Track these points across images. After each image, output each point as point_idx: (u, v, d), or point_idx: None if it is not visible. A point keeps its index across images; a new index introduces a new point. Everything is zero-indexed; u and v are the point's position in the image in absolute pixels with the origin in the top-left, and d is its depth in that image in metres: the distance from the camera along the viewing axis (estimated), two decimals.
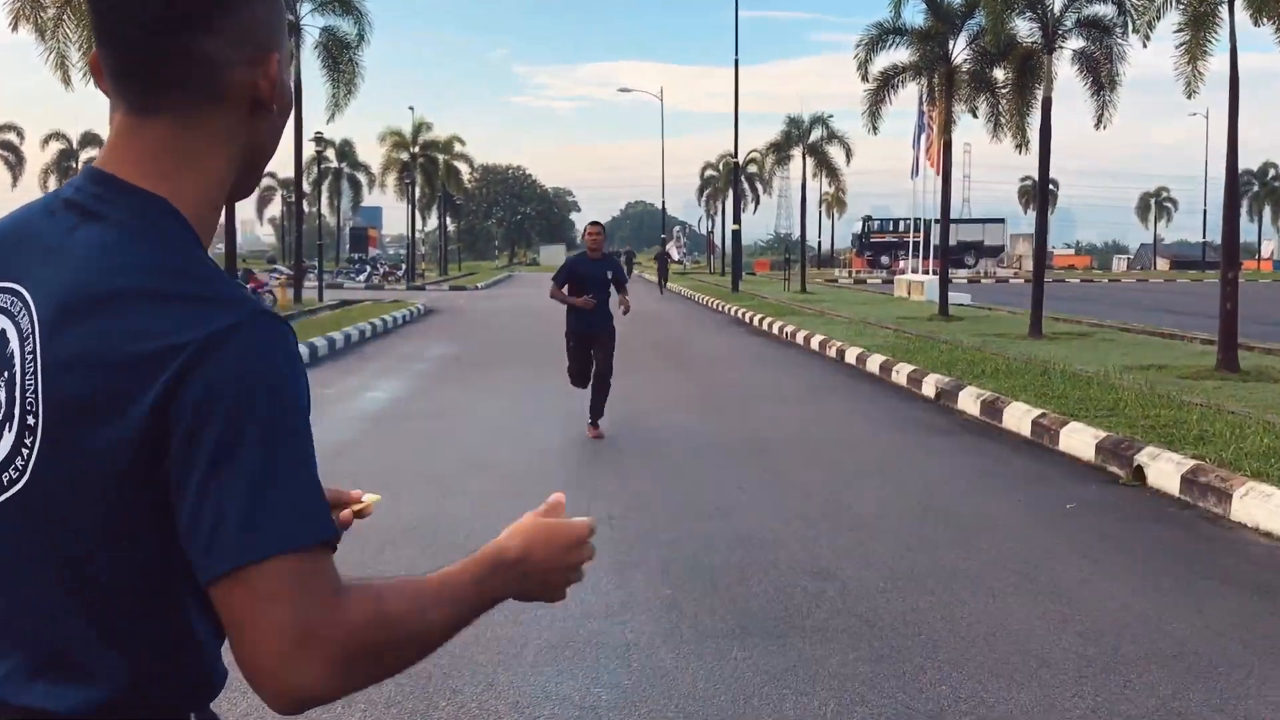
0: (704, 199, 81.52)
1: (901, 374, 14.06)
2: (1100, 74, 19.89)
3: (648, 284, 44.55)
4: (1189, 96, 14.77)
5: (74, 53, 21.43)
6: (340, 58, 30.50)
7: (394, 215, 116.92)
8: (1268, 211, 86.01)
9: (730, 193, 54.91)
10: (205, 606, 1.10)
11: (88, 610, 1.09)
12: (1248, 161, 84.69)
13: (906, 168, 37.01)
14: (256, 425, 1.02)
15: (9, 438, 1.09)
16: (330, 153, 67.72)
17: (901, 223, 65.02)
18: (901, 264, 57.40)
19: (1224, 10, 14.00)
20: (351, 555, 5.98)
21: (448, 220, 79.93)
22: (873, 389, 13.77)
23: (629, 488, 7.85)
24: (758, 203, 75.41)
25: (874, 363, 15.45)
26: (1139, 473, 8.12)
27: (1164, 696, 4.25)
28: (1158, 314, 28.07)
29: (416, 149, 58.99)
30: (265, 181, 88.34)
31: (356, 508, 1.39)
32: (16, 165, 65.60)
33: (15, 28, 21.15)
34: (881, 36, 24.68)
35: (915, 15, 24.82)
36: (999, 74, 22.47)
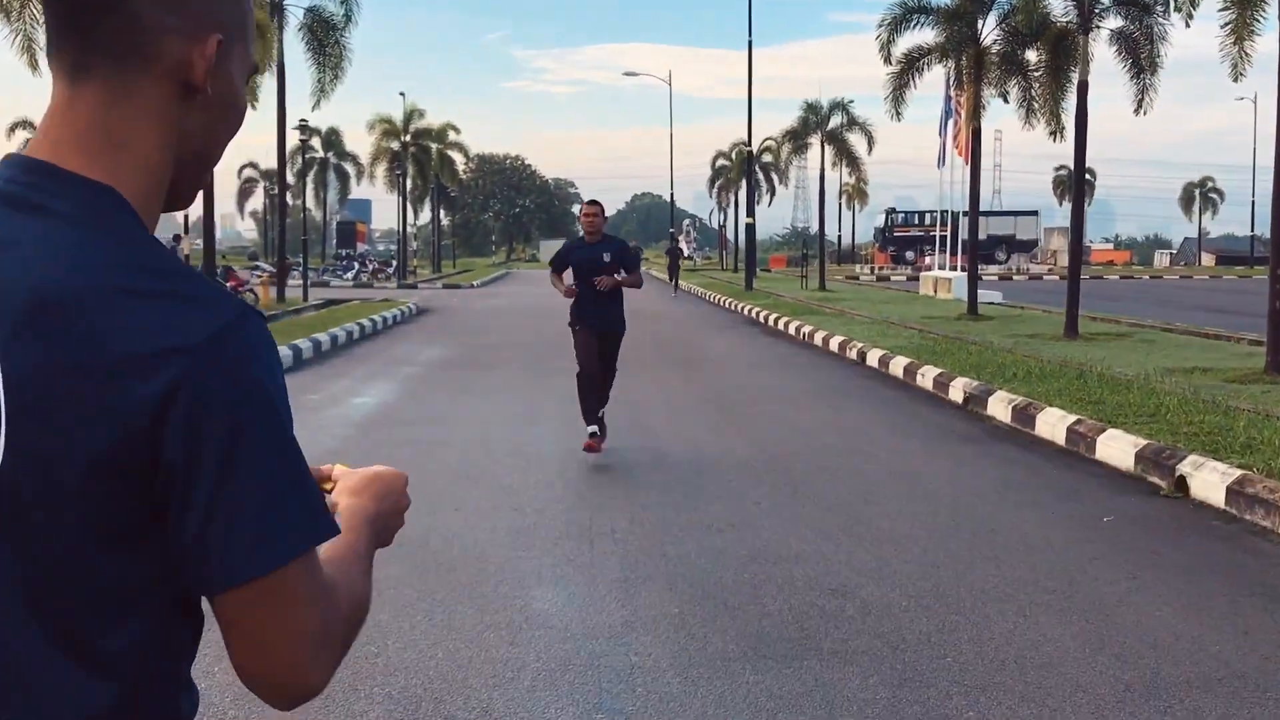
0: (715, 190, 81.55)
1: (927, 378, 14.06)
2: (1140, 55, 19.87)
3: (659, 283, 44.51)
4: (1235, 79, 14.77)
5: (41, 35, 21.52)
6: (326, 40, 30.58)
7: (384, 208, 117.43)
8: None
9: (744, 184, 54.87)
10: (178, 630, 1.13)
11: (52, 637, 1.09)
12: None
13: (932, 157, 37.00)
14: (262, 431, 1.06)
15: None
16: (316, 142, 67.85)
17: (927, 215, 65.05)
18: (927, 260, 57.36)
19: None
20: None
21: (441, 214, 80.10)
22: (896, 394, 13.77)
23: (633, 499, 7.86)
24: (773, 194, 75.58)
25: (898, 365, 15.44)
26: (1181, 483, 8.11)
27: None
28: (1202, 313, 28.01)
29: (408, 137, 59.11)
30: (246, 173, 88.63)
31: (327, 486, 1.41)
32: None
33: None
34: (905, 16, 24.67)
35: None
36: (1031, 56, 22.46)
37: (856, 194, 78.90)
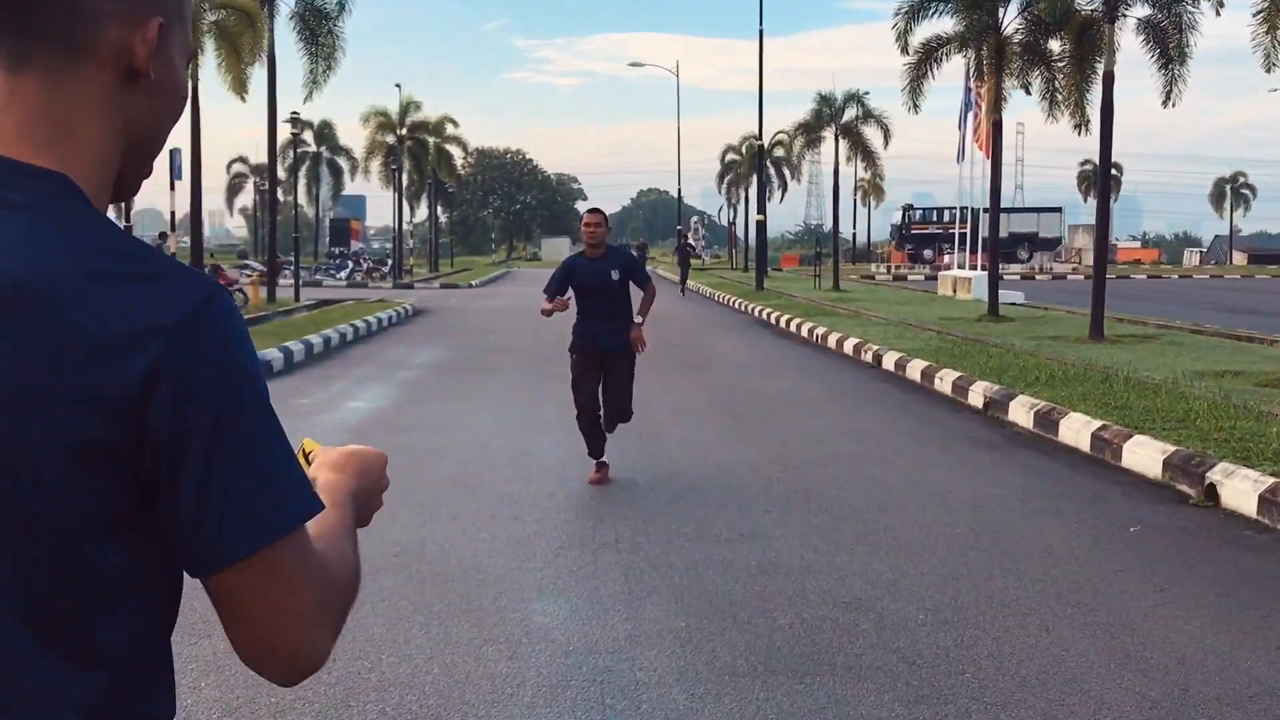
0: (725, 186, 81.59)
1: (946, 381, 14.05)
2: (1168, 45, 19.85)
3: (667, 283, 44.52)
4: (1268, 70, 14.77)
5: None
6: (319, 29, 30.63)
7: (379, 205, 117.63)
8: None
9: (754, 179, 54.87)
10: (165, 617, 1.18)
11: (40, 628, 1.11)
12: None
13: (951, 151, 37.08)
14: (246, 409, 1.11)
15: None
16: (308, 135, 67.91)
17: (946, 212, 65.03)
18: (946, 258, 57.33)
19: None
20: None
21: (439, 210, 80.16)
22: (913, 398, 13.76)
23: (639, 508, 7.86)
24: (785, 190, 75.59)
25: (915, 369, 15.44)
26: (1211, 492, 8.10)
27: None
28: (1233, 314, 27.98)
29: (404, 131, 59.18)
30: (236, 168, 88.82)
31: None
32: None
33: None
34: (923, 4, 24.67)
35: None
36: (1055, 45, 22.44)
37: (872, 190, 79.13)
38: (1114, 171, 70.58)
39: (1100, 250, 20.83)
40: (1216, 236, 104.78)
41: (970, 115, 33.46)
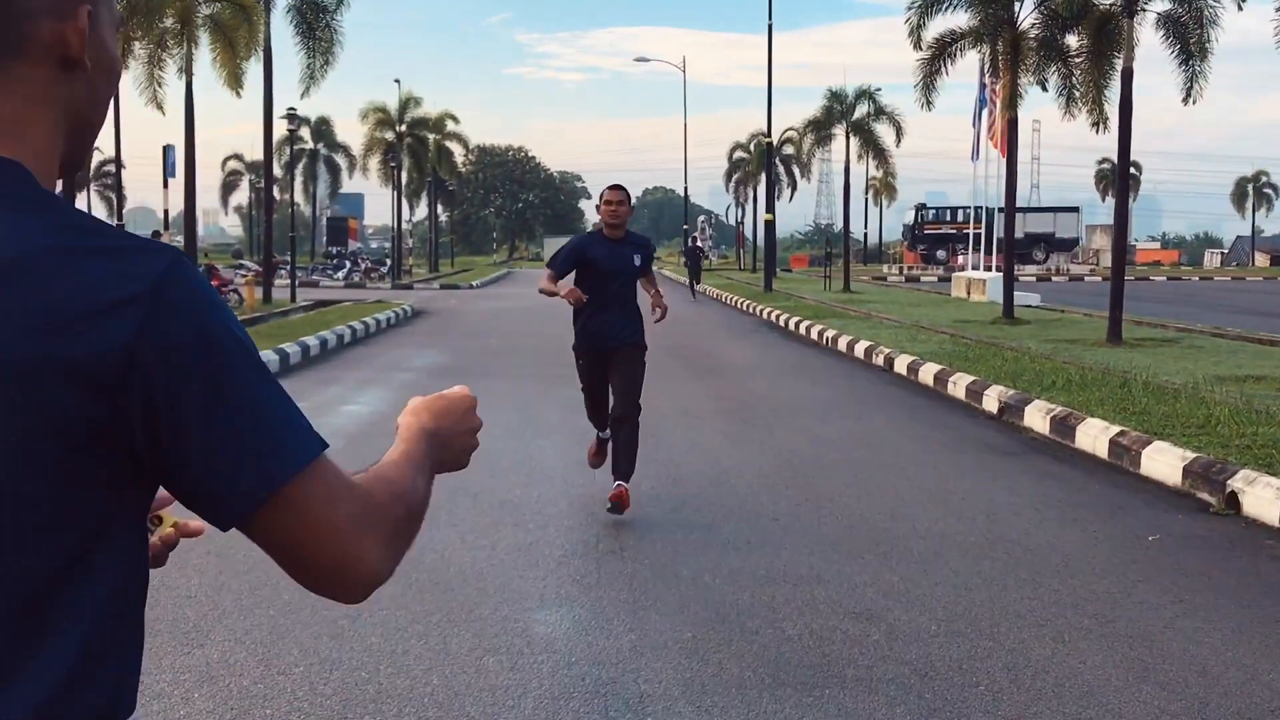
0: (733, 185, 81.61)
1: (959, 386, 14.05)
2: (1189, 41, 19.84)
3: (675, 285, 44.50)
4: None
5: None
6: (316, 23, 30.68)
7: (377, 203, 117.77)
8: None
9: (763, 177, 54.86)
10: (138, 585, 1.22)
11: (18, 601, 1.14)
12: None
13: (965, 149, 37.00)
14: (231, 364, 1.17)
15: None
16: (305, 132, 68.09)
17: (960, 212, 65.00)
18: (960, 259, 57.33)
19: None
20: None
21: (439, 209, 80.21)
22: (926, 403, 13.76)
23: (644, 515, 7.86)
24: (794, 189, 75.51)
25: (928, 373, 15.43)
26: (1233, 500, 8.09)
27: None
28: (1255, 317, 27.94)
29: (403, 127, 59.27)
30: (231, 166, 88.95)
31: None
32: None
33: None
34: None
35: None
36: (1072, 41, 22.43)
37: (884, 189, 79.14)
38: (1133, 170, 70.54)
39: (1118, 251, 20.83)
40: (1238, 237, 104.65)
41: (985, 112, 33.46)
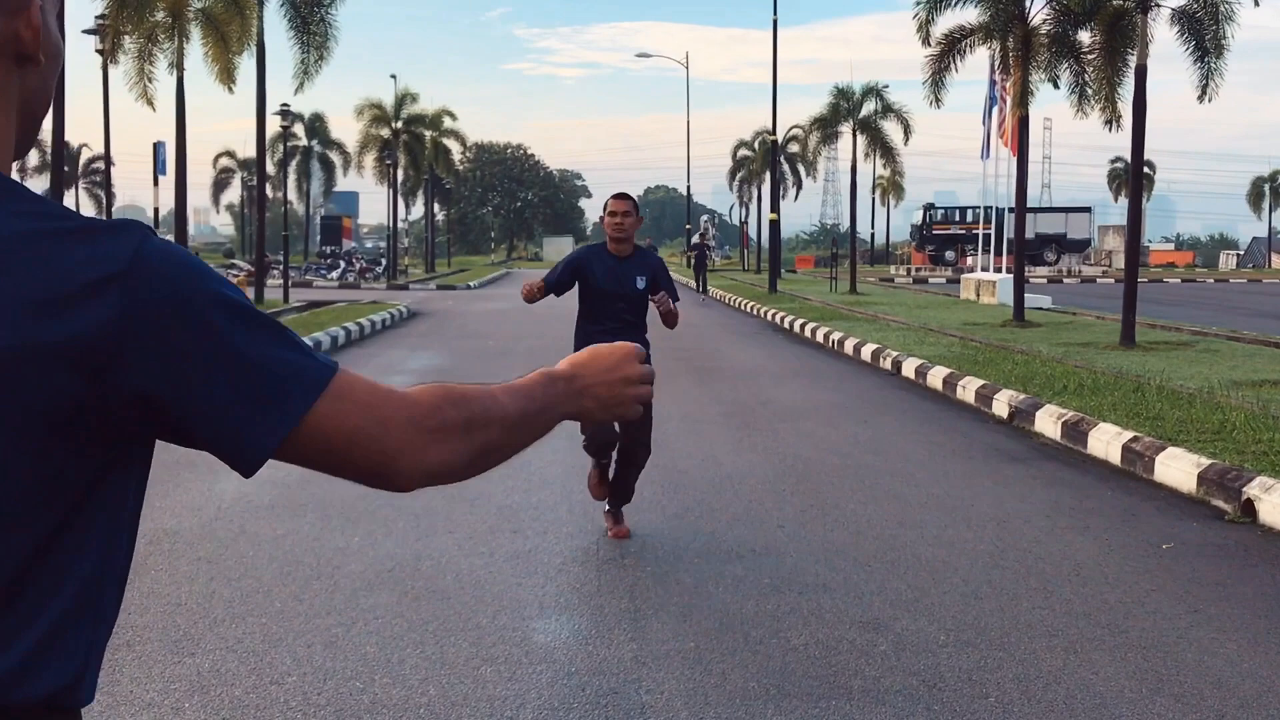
0: (736, 184, 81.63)
1: (969, 390, 14.05)
2: (1204, 37, 19.85)
3: (679, 288, 44.41)
4: None
5: None
6: (310, 17, 30.70)
7: (373, 202, 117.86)
8: None
9: (767, 176, 54.89)
10: (89, 603, 1.25)
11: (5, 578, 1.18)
12: None
13: (975, 147, 36.99)
14: (223, 317, 1.21)
15: None
16: (298, 128, 68.18)
17: (969, 212, 64.98)
18: (969, 260, 57.31)
19: None
20: (320, 600, 6.01)
21: (435, 208, 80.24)
22: (935, 407, 13.76)
23: (645, 522, 7.86)
24: (800, 188, 75.57)
25: (936, 376, 15.44)
26: (1249, 507, 8.09)
27: None
28: (1273, 320, 27.94)
29: (399, 124, 59.26)
30: (223, 163, 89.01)
31: None
32: None
33: None
34: None
35: None
36: (1085, 37, 22.44)
37: (891, 188, 79.11)
38: (1146, 170, 70.38)
39: (1132, 252, 20.83)
40: (1254, 238, 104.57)
41: (995, 110, 33.45)
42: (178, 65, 28.48)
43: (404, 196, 67.49)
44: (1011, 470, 9.92)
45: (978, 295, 35.38)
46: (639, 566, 6.78)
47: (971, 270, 44.50)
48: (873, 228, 78.09)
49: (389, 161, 56.84)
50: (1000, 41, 25.13)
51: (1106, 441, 10.32)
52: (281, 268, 35.22)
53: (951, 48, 25.55)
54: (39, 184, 66.10)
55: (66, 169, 45.68)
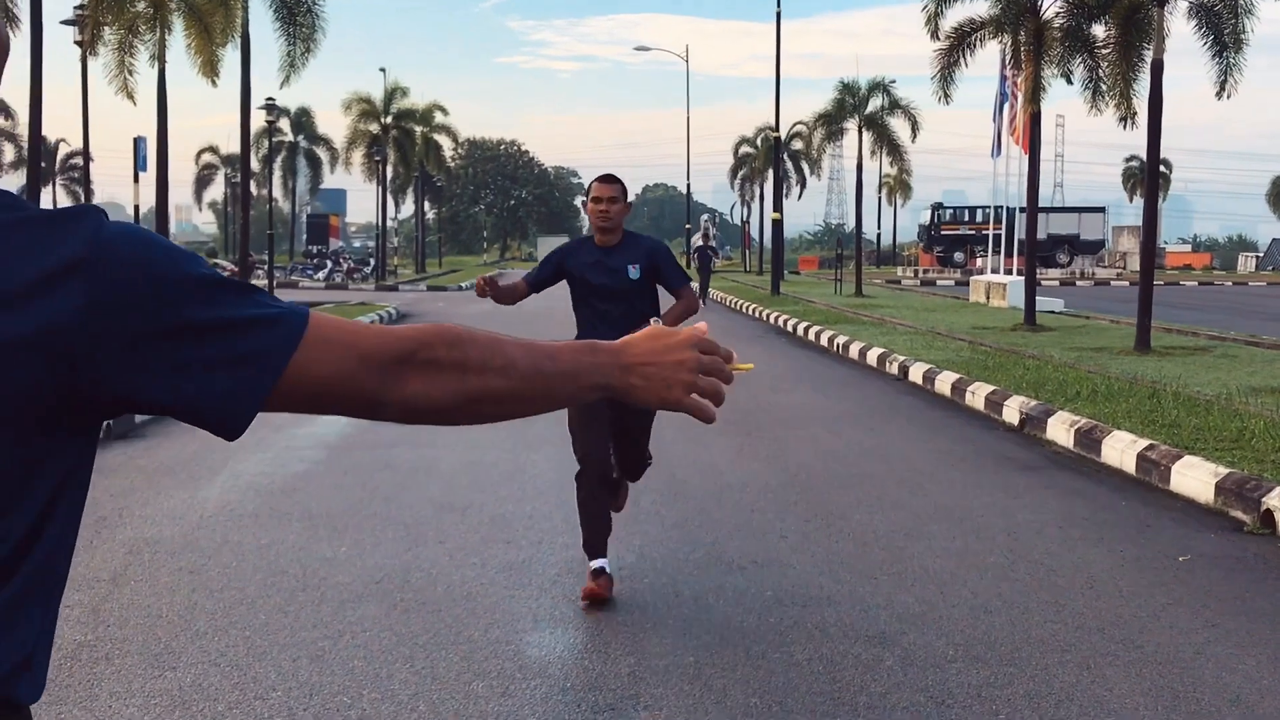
0: (738, 182, 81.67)
1: (978, 396, 14.06)
2: (1222, 31, 19.88)
3: None
4: None
5: None
6: (297, 8, 30.70)
7: (361, 200, 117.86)
8: None
9: (770, 174, 54.89)
10: (45, 584, 1.28)
11: None
12: None
13: (985, 145, 37.03)
14: (190, 292, 1.24)
15: None
16: (284, 123, 68.12)
17: (979, 211, 65.10)
18: (979, 261, 57.36)
19: None
20: (306, 613, 6.01)
21: (426, 206, 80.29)
22: (943, 414, 13.76)
23: (643, 532, 7.86)
24: (803, 186, 75.64)
25: (944, 382, 15.44)
26: (1268, 518, 8.09)
27: None
28: None
29: (389, 119, 59.32)
30: (205, 159, 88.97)
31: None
32: None
33: None
34: None
35: None
36: (1099, 30, 22.48)
37: (898, 187, 79.21)
38: (1162, 169, 70.45)
39: (1147, 254, 20.85)
40: (1274, 240, 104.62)
41: (1006, 106, 33.48)
42: (159, 57, 28.50)
43: (393, 194, 67.51)
44: (1022, 479, 9.93)
45: (987, 298, 35.40)
46: (636, 578, 6.78)
47: (981, 272, 44.53)
48: (879, 228, 78.16)
49: (378, 158, 56.87)
50: (1011, 35, 25.16)
51: (1121, 450, 10.32)
52: (266, 268, 35.24)
53: (961, 42, 25.59)
54: (15, 181, 66.04)
55: (44, 165, 45.65)
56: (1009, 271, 37.00)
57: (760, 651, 5.59)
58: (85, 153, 36.92)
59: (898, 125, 45.36)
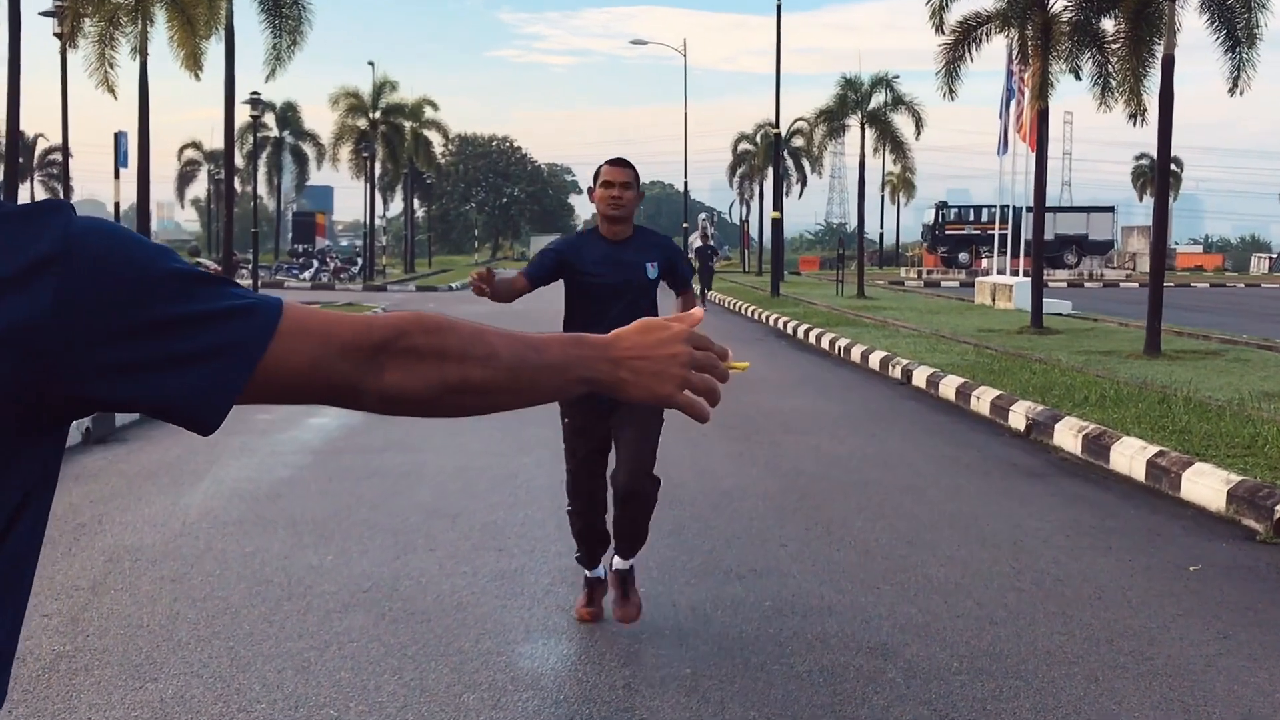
0: (737, 179, 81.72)
1: (984, 401, 14.07)
2: (1236, 26, 19.92)
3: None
4: None
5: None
6: (283, 0, 30.69)
7: (348, 197, 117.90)
8: None
9: (770, 172, 54.92)
10: (11, 584, 1.29)
11: None
12: None
13: (991, 142, 37.04)
14: (162, 287, 1.24)
15: None
16: (269, 118, 68.08)
17: (984, 211, 65.11)
18: (984, 262, 57.38)
19: None
20: (292, 623, 6.01)
21: (415, 204, 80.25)
22: (947, 419, 13.77)
23: None
24: (804, 184, 75.69)
25: (949, 386, 15.45)
26: None
27: None
28: None
29: (377, 114, 59.32)
30: (188, 155, 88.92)
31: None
32: None
33: None
34: None
35: None
36: (1108, 25, 22.52)
37: (902, 185, 79.26)
38: (1173, 167, 70.48)
39: (1157, 255, 20.86)
40: None
41: (1012, 103, 33.50)
42: (141, 50, 28.50)
43: (382, 192, 67.51)
44: (1029, 487, 9.94)
45: (993, 300, 35.44)
46: None
47: (987, 273, 44.56)
48: (882, 227, 78.31)
49: (366, 154, 56.86)
50: (1018, 29, 25.17)
51: (1130, 456, 10.33)
52: (250, 267, 35.23)
53: (967, 36, 25.60)
54: None
55: (21, 161, 45.61)
56: (1015, 273, 37.02)
57: (759, 663, 5.59)
58: (65, 148, 36.91)
59: (901, 122, 45.44)
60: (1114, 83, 22.32)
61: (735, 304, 37.40)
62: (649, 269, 5.97)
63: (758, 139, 74.28)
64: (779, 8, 41.15)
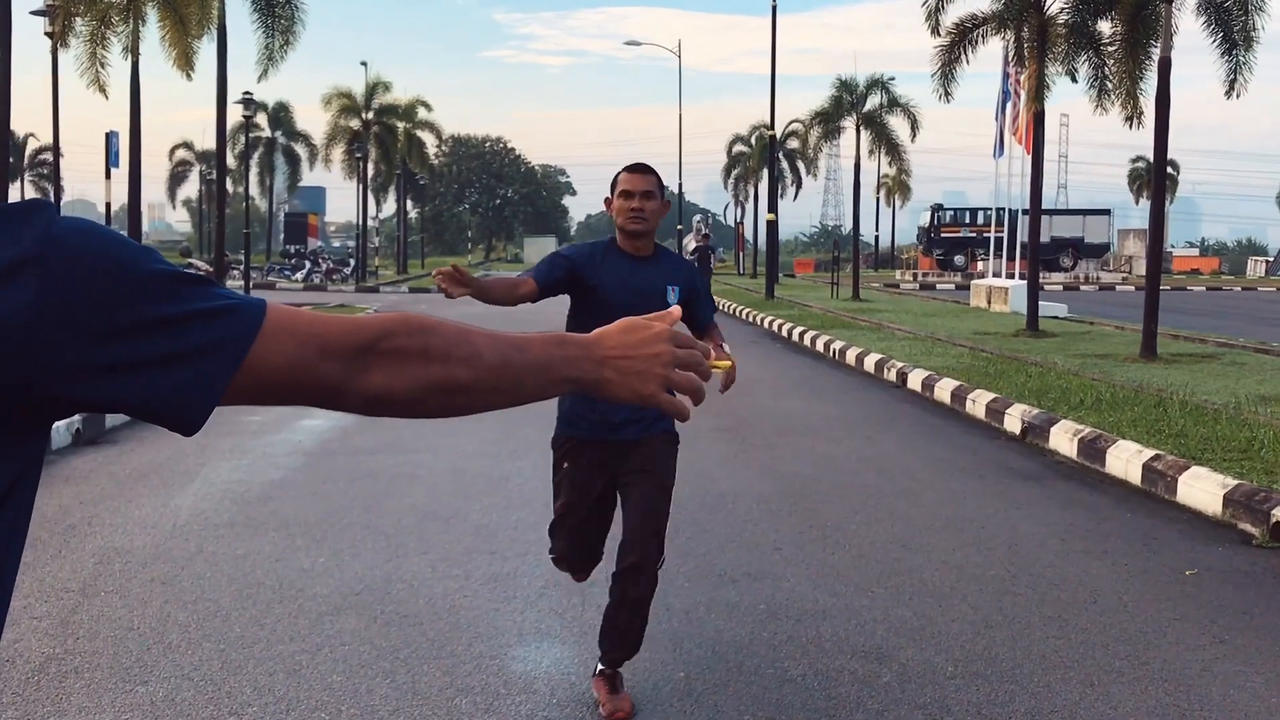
0: (731, 181, 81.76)
1: (979, 404, 14.08)
2: (1233, 28, 19.94)
3: None
4: None
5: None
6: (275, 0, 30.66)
7: (341, 198, 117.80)
8: None
9: (765, 174, 54.92)
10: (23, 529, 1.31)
11: None
12: None
13: (986, 145, 37.06)
14: (141, 287, 1.24)
15: None
16: (262, 118, 68.09)
17: (980, 213, 65.15)
18: (980, 265, 57.42)
19: None
20: (283, 625, 6.00)
21: (408, 205, 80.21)
22: (942, 422, 13.78)
23: None
24: (799, 187, 75.74)
25: (944, 389, 15.46)
26: (1278, 531, 8.11)
27: None
28: None
29: (370, 115, 59.27)
30: (180, 155, 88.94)
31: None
32: None
33: None
34: None
35: None
36: (1105, 27, 22.54)
37: (897, 187, 79.34)
38: (1170, 170, 70.59)
39: (1153, 258, 20.87)
40: None
41: (1008, 105, 33.50)
42: (133, 49, 28.44)
43: (374, 192, 67.42)
44: (1024, 490, 9.94)
45: (989, 303, 35.46)
46: None
47: (982, 276, 44.57)
48: (877, 230, 78.33)
49: (359, 155, 56.80)
50: (1015, 31, 25.21)
51: (1126, 460, 10.35)
52: (242, 268, 35.18)
53: (962, 38, 25.63)
54: None
55: (11, 161, 45.55)
56: (1011, 275, 37.03)
57: (753, 667, 5.59)
58: (55, 148, 36.83)
59: (897, 124, 45.47)
60: (1110, 85, 22.36)
61: (730, 306, 37.40)
62: (670, 293, 5.29)
63: (753, 141, 74.31)
64: (774, 9, 41.13)
